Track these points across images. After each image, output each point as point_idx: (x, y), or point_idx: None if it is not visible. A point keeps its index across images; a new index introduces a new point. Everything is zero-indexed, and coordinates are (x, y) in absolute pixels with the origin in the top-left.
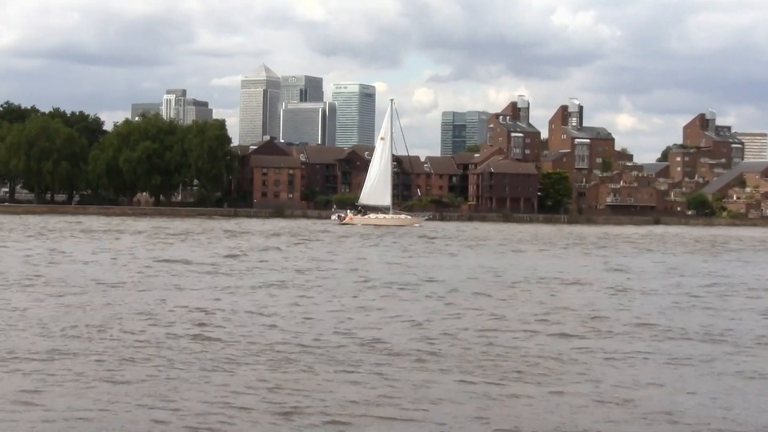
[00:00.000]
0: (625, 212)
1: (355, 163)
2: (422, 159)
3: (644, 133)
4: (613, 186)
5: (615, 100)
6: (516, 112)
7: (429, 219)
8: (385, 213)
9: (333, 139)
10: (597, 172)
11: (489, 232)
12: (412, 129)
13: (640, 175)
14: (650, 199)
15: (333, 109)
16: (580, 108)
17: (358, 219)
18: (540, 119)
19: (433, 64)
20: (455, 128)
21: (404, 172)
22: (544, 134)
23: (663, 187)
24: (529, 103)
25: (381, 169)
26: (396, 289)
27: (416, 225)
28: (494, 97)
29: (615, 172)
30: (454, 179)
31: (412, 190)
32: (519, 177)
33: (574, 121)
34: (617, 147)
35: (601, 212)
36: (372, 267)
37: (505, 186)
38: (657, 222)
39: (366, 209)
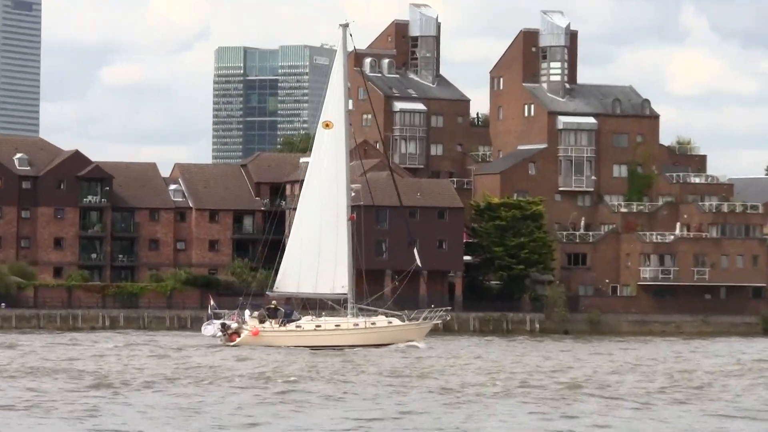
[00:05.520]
0: (687, 302)
1: None
2: (164, 171)
3: (737, 99)
4: (656, 237)
5: (663, 13)
6: (405, 45)
7: (442, 320)
8: (340, 314)
9: None
10: (615, 199)
11: None
12: (147, 93)
13: (723, 207)
14: (750, 271)
15: None
16: (572, 36)
17: (270, 331)
18: (469, 66)
19: None
20: (250, 90)
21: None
22: (482, 106)
23: None
24: (440, 25)
25: (328, 203)
26: None
27: (404, 344)
28: (354, 9)
29: (663, 200)
30: (246, 221)
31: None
32: (417, 216)
33: (556, 70)
34: (666, 137)
35: (629, 303)
36: None
37: (383, 239)
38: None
39: (286, 309)
